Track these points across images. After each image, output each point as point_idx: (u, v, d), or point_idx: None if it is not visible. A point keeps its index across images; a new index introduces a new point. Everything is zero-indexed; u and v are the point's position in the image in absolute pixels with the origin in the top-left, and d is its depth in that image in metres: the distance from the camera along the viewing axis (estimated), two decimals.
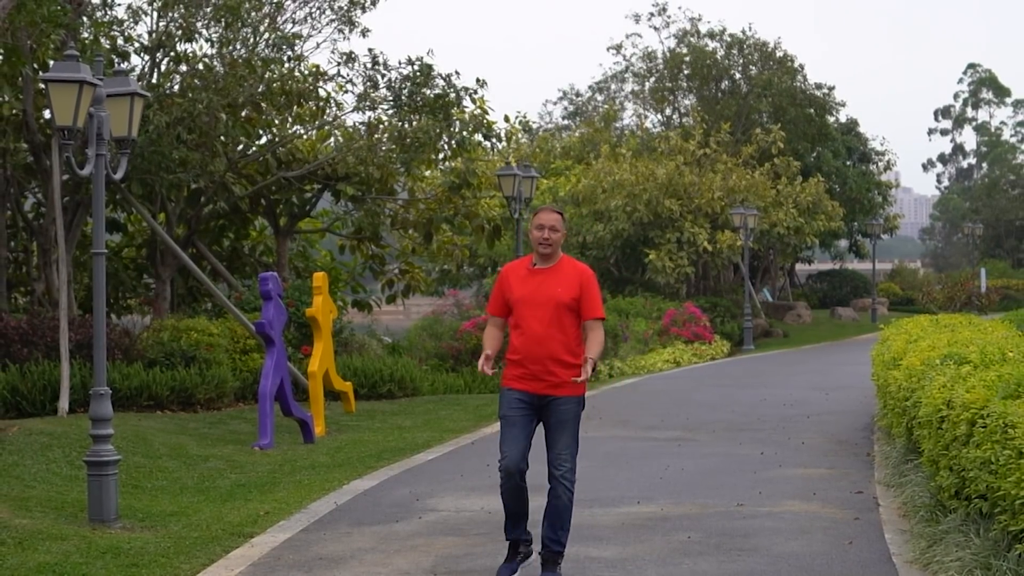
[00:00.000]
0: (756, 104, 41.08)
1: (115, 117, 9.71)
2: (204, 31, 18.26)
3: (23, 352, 14.85)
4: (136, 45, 18.59)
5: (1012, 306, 41.04)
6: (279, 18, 19.25)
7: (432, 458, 12.47)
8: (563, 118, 50.08)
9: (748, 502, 9.44)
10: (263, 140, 21.39)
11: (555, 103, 55.01)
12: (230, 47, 18.22)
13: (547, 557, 7.04)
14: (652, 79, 43.04)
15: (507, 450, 6.88)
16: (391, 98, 20.07)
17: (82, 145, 11.45)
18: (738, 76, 42.17)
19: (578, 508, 8.53)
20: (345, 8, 19.70)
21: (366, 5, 19.83)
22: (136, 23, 18.27)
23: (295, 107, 20.47)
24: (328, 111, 21.26)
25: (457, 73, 20.07)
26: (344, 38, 20.15)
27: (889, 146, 64.23)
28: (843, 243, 51.58)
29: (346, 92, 20.89)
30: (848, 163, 45.54)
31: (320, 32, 19.92)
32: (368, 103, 20.15)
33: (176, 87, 18.25)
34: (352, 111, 20.64)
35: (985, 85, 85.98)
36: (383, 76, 19.96)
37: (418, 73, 19.80)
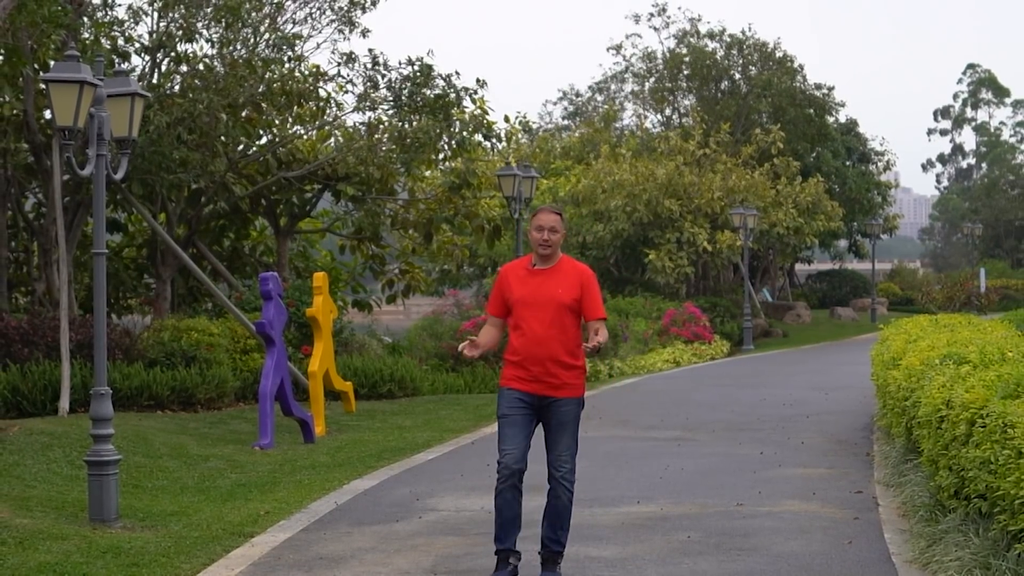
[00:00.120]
0: (756, 104, 41.11)
1: (116, 117, 9.72)
2: (204, 31, 18.28)
3: (24, 352, 14.87)
4: (136, 45, 18.61)
5: (1011, 306, 41.06)
6: (279, 18, 19.26)
7: (432, 458, 12.49)
8: (563, 118, 50.15)
9: (748, 502, 9.46)
10: (263, 140, 21.41)
11: (555, 103, 55.10)
12: (230, 47, 18.23)
13: (547, 557, 7.04)
14: (652, 79, 43.07)
15: (508, 448, 6.85)
16: (391, 98, 20.08)
17: (83, 145, 11.48)
18: (738, 76, 42.20)
19: (578, 508, 8.54)
20: (345, 8, 19.72)
21: (366, 5, 19.84)
22: (136, 23, 18.29)
23: (295, 107, 20.48)
24: (328, 111, 21.27)
25: (457, 73, 20.10)
26: (344, 38, 20.17)
27: (888, 146, 64.27)
28: (843, 243, 51.60)
29: (346, 92, 20.93)
30: (848, 163, 45.57)
31: (320, 32, 19.96)
32: (368, 103, 20.16)
33: (176, 87, 18.26)
34: (352, 111, 20.67)
35: (984, 85, 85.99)
36: (383, 76, 19.98)
37: (418, 73, 19.81)
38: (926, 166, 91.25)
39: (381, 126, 20.40)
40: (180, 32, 18.03)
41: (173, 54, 18.47)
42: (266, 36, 18.75)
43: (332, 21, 19.80)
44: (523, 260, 7.16)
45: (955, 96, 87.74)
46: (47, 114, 16.58)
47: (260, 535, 8.63)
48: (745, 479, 10.58)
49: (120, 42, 18.25)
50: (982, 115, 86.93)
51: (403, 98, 19.90)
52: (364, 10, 19.88)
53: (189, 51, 18.60)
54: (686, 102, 43.19)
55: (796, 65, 41.74)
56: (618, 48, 43.67)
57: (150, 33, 18.39)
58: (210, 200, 21.03)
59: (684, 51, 41.99)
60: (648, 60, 42.94)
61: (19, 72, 15.74)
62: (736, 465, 11.43)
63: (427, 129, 19.50)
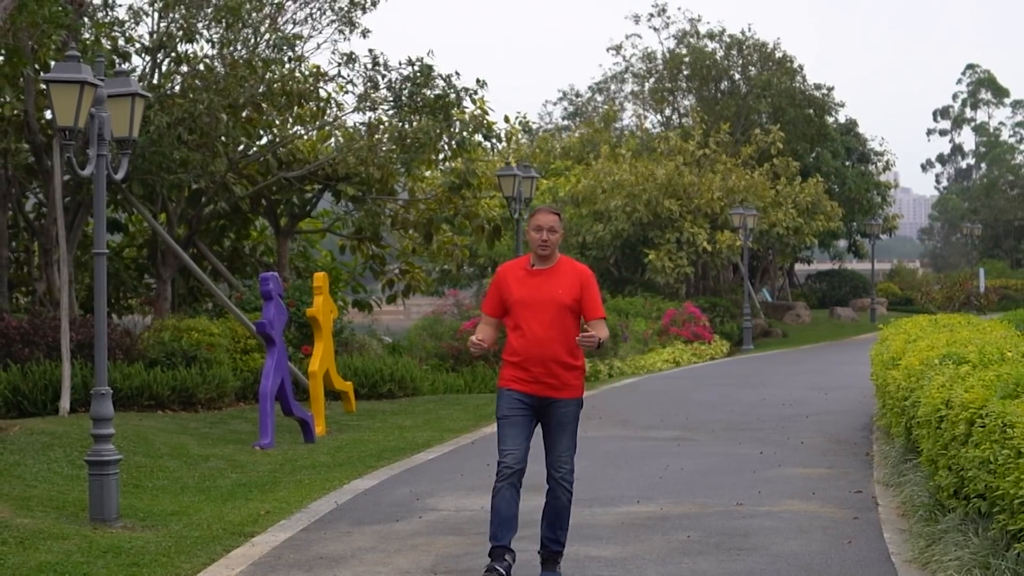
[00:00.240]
0: (755, 104, 41.12)
1: (116, 117, 9.73)
2: (205, 32, 18.29)
3: (24, 352, 14.89)
4: (137, 46, 18.63)
5: (1011, 306, 41.08)
6: (280, 19, 19.27)
7: (432, 458, 12.50)
8: (563, 118, 50.17)
9: (747, 501, 9.47)
10: (264, 140, 21.42)
11: (555, 104, 55.13)
12: (231, 48, 18.24)
13: (547, 556, 7.05)
14: (652, 80, 43.09)
15: (508, 449, 6.85)
16: (391, 99, 20.09)
17: (83, 145, 11.49)
18: (737, 77, 42.22)
19: (578, 507, 8.55)
20: (345, 9, 19.73)
21: (366, 6, 19.85)
22: (137, 24, 18.31)
23: (296, 108, 20.49)
24: (328, 112, 21.28)
25: (457, 74, 20.11)
26: (344, 39, 20.18)
27: (888, 146, 64.34)
28: (842, 243, 51.64)
29: (346, 93, 20.94)
30: (847, 163, 45.59)
31: (320, 33, 19.96)
32: (368, 103, 20.17)
33: (177, 88, 18.28)
34: (352, 111, 20.68)
35: (984, 86, 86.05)
36: (383, 77, 19.99)
37: (418, 74, 19.83)
38: (925, 166, 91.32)
39: (381, 126, 20.41)
40: (180, 32, 18.04)
41: (173, 54, 18.49)
42: (266, 36, 18.77)
43: (332, 21, 19.82)
44: (521, 260, 7.14)
45: (954, 96, 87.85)
46: (48, 114, 16.61)
47: (260, 535, 8.64)
48: (745, 479, 10.60)
49: (121, 42, 18.26)
50: (981, 115, 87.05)
51: (403, 98, 19.91)
52: (364, 10, 19.89)
53: (189, 51, 18.63)
54: (686, 102, 43.22)
55: (796, 65, 41.78)
56: (618, 48, 43.71)
57: (150, 33, 18.41)
58: (210, 200, 21.04)
59: (684, 51, 42.02)
60: (648, 60, 42.96)
61: (20, 72, 15.76)
62: (736, 465, 11.44)
63: (427, 129, 19.52)
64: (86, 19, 17.09)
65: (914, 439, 9.51)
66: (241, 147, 20.23)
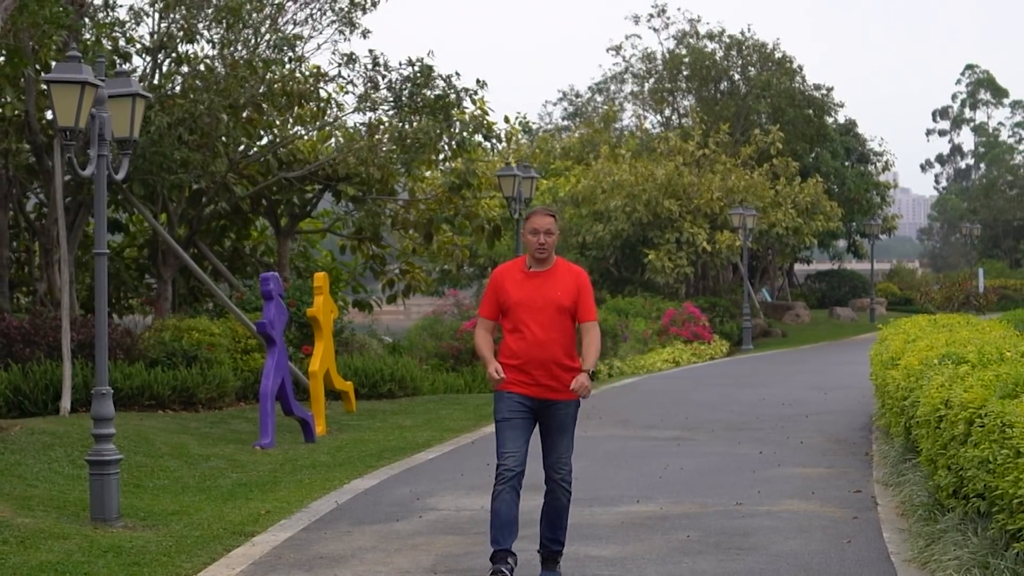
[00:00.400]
0: (755, 105, 41.13)
1: (117, 118, 9.75)
2: (205, 32, 18.31)
3: (25, 352, 14.91)
4: (138, 46, 18.65)
5: (1010, 306, 41.11)
6: (280, 19, 19.28)
7: (432, 457, 12.52)
8: (563, 119, 50.19)
9: (747, 501, 9.49)
10: (264, 141, 21.44)
11: (555, 104, 55.10)
12: (231, 48, 18.26)
13: (547, 556, 7.07)
14: (651, 80, 43.10)
15: (508, 452, 6.83)
16: (391, 99, 20.11)
17: (84, 146, 11.52)
18: (737, 77, 42.23)
19: (578, 507, 8.57)
20: (346, 9, 19.75)
21: (366, 6, 19.87)
22: (138, 24, 18.33)
23: (296, 108, 20.51)
24: (329, 112, 21.30)
25: (457, 74, 20.13)
26: (345, 39, 20.19)
27: (887, 147, 64.32)
28: (841, 243, 51.66)
29: (347, 93, 20.95)
30: (846, 164, 45.61)
31: (321, 33, 19.99)
32: (369, 104, 20.19)
33: (177, 88, 18.30)
34: (353, 112, 20.70)
35: (983, 86, 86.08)
36: (384, 77, 20.01)
37: (418, 74, 19.84)
38: (925, 166, 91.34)
39: (381, 126, 20.43)
40: (181, 33, 18.06)
41: (174, 55, 18.50)
42: (267, 37, 18.79)
43: (333, 22, 19.84)
44: (517, 262, 7.11)
45: (954, 97, 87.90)
46: (48, 115, 16.64)
47: (261, 534, 8.66)
48: (744, 478, 10.61)
49: (121, 43, 18.28)
50: (980, 116, 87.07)
51: (403, 99, 19.93)
52: (364, 11, 19.91)
53: (190, 52, 18.64)
54: (685, 103, 43.23)
55: (795, 66, 41.79)
56: (618, 49, 43.72)
57: (151, 34, 18.43)
58: (211, 200, 21.06)
59: (683, 52, 42.03)
60: (648, 61, 42.97)
61: (21, 73, 15.78)
62: (735, 464, 11.46)
63: (427, 130, 19.53)
64: (87, 19, 17.11)
65: (913, 439, 9.53)
66: (241, 147, 20.25)
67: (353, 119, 32.46)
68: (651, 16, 42.86)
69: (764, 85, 40.71)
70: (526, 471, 6.94)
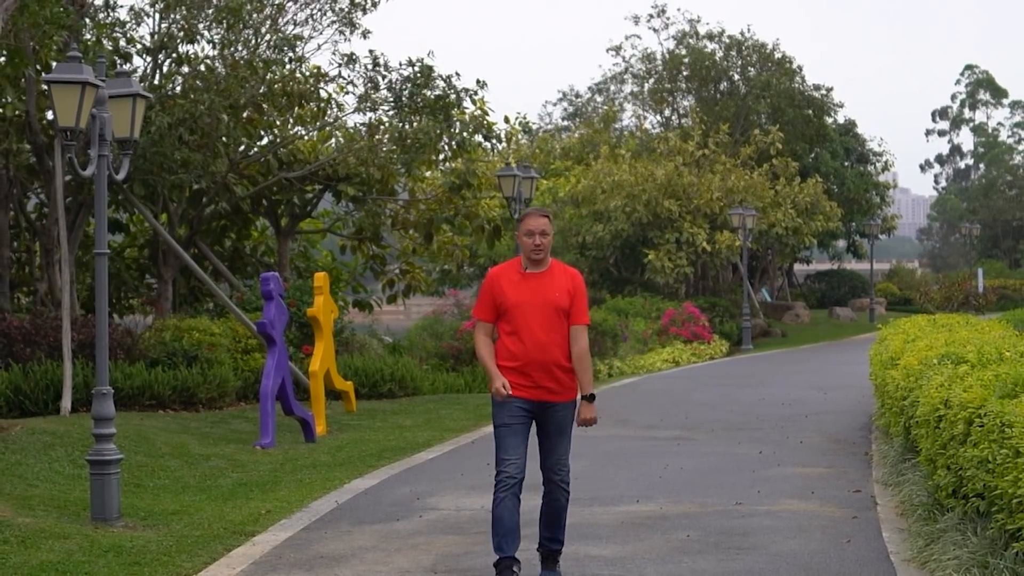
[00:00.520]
0: (755, 105, 41.15)
1: (117, 118, 9.76)
2: (206, 32, 18.32)
3: (26, 352, 14.92)
4: (138, 46, 18.66)
5: (1009, 306, 41.14)
6: (280, 20, 19.29)
7: (432, 457, 12.53)
8: (563, 119, 50.21)
9: (747, 501, 9.50)
10: (264, 141, 21.45)
11: (555, 104, 55.04)
12: (232, 48, 18.27)
13: (547, 555, 7.07)
14: (651, 80, 43.11)
15: (510, 458, 6.79)
16: (392, 99, 20.12)
17: (84, 146, 11.53)
18: (737, 77, 42.25)
19: (577, 507, 8.59)
20: (346, 10, 19.76)
21: (367, 7, 19.88)
22: (138, 25, 18.34)
23: (296, 108, 20.52)
24: (329, 112, 21.31)
25: (457, 74, 20.15)
26: (345, 39, 20.19)
27: (887, 147, 64.21)
28: (841, 243, 51.69)
29: (347, 93, 20.96)
30: (846, 164, 45.64)
31: (321, 34, 19.97)
32: (369, 104, 20.20)
33: (178, 88, 18.31)
34: (353, 112, 20.71)
35: (982, 86, 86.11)
36: (384, 77, 20.02)
37: (418, 74, 19.86)
38: (924, 167, 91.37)
39: (382, 127, 20.44)
40: (182, 33, 18.07)
41: (175, 55, 18.51)
42: (267, 37, 18.80)
43: (333, 22, 19.84)
44: (512, 263, 7.05)
45: (953, 97, 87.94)
46: (49, 115, 16.65)
47: (261, 534, 8.67)
48: (744, 478, 10.63)
49: (122, 43, 18.29)
50: (980, 116, 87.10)
51: (403, 99, 19.94)
52: (365, 11, 19.92)
53: (190, 52, 18.66)
54: (685, 103, 43.25)
55: (795, 66, 41.81)
56: (617, 49, 43.74)
57: (152, 34, 18.44)
58: (211, 200, 21.07)
59: (683, 52, 42.04)
60: (647, 61, 42.99)
61: (21, 73, 15.79)
62: (735, 464, 11.47)
63: (427, 130, 19.54)
64: (87, 20, 17.13)
65: (913, 439, 9.54)
66: (242, 147, 20.26)
67: (353, 119, 32.50)
68: (651, 16, 42.92)
69: (764, 85, 40.73)
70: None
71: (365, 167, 20.33)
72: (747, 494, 9.79)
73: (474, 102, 20.68)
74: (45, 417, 13.68)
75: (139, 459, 11.86)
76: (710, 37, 42.21)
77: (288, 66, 19.29)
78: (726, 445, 12.88)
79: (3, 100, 16.97)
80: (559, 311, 6.87)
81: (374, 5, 19.96)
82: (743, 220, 32.18)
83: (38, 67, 15.80)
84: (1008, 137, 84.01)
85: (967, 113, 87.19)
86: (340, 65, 20.08)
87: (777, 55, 41.67)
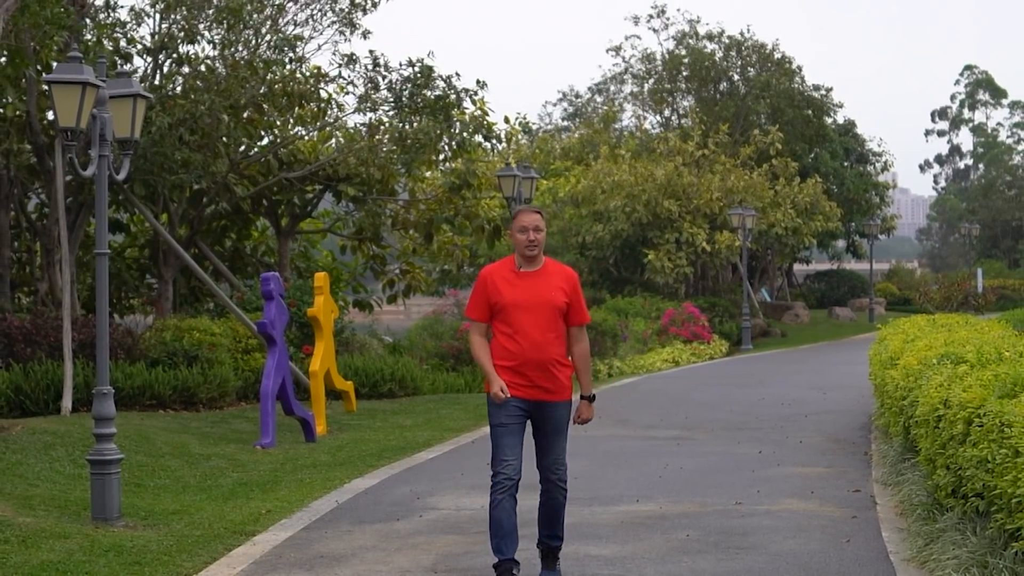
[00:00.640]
0: (754, 105, 41.17)
1: (118, 118, 9.77)
2: (206, 33, 18.33)
3: (27, 351, 14.93)
4: (139, 47, 18.67)
5: (1008, 306, 41.14)
6: (281, 20, 19.30)
7: (432, 457, 12.54)
8: (563, 119, 50.21)
9: (746, 500, 9.51)
10: (265, 141, 21.46)
11: (555, 104, 55.02)
12: (232, 49, 18.28)
13: (547, 552, 7.05)
14: (651, 80, 43.13)
15: (508, 459, 6.77)
16: (392, 99, 20.13)
17: (85, 146, 11.54)
18: (736, 77, 42.26)
19: (577, 507, 8.61)
20: (346, 10, 19.77)
21: (367, 7, 19.89)
22: (139, 25, 18.36)
23: (296, 108, 20.53)
24: (329, 112, 21.32)
25: (457, 75, 20.16)
26: (345, 40, 20.25)
27: (886, 147, 64.25)
28: (841, 243, 51.71)
29: (347, 93, 20.97)
30: (846, 164, 45.65)
31: (321, 34, 19.98)
32: (369, 104, 20.21)
33: (178, 88, 18.32)
34: (353, 112, 20.72)
35: (982, 87, 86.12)
36: (384, 78, 20.03)
37: (419, 75, 19.87)
38: (924, 167, 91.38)
39: (382, 127, 20.45)
40: (182, 33, 18.08)
41: (175, 55, 18.53)
42: (267, 37, 18.81)
43: (333, 23, 19.85)
44: (506, 262, 7.01)
45: (952, 97, 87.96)
46: (50, 115, 16.66)
47: (261, 534, 8.68)
48: (744, 478, 10.64)
49: (122, 43, 18.30)
50: (979, 116, 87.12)
51: (404, 99, 19.95)
52: (365, 12, 19.94)
53: (191, 52, 18.67)
54: (685, 103, 43.26)
55: (794, 66, 41.83)
56: (617, 49, 43.75)
57: (152, 34, 18.45)
58: (212, 201, 21.09)
59: (683, 52, 42.06)
60: (647, 61, 43.00)
61: (22, 73, 15.80)
62: (735, 464, 11.48)
63: (427, 130, 19.56)
64: (88, 20, 17.14)
65: (912, 438, 9.55)
66: (242, 148, 20.27)
67: (353, 119, 32.48)
68: (651, 17, 42.92)
69: (763, 85, 40.74)
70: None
71: (365, 167, 20.34)
72: (747, 494, 9.80)
73: (474, 102, 20.71)
74: (46, 417, 13.69)
75: (139, 459, 11.88)
76: (710, 37, 42.24)
77: (288, 66, 19.31)
78: (726, 445, 12.89)
79: (4, 100, 16.98)
80: (556, 310, 6.82)
81: (374, 5, 19.98)
82: (743, 220, 32.20)
83: (39, 67, 15.81)
84: (1007, 137, 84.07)
85: (966, 113, 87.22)
86: (340, 65, 20.11)
87: (777, 55, 41.69)
